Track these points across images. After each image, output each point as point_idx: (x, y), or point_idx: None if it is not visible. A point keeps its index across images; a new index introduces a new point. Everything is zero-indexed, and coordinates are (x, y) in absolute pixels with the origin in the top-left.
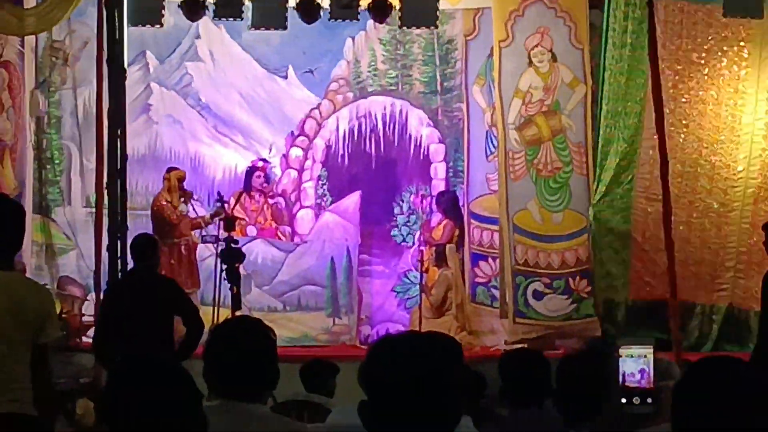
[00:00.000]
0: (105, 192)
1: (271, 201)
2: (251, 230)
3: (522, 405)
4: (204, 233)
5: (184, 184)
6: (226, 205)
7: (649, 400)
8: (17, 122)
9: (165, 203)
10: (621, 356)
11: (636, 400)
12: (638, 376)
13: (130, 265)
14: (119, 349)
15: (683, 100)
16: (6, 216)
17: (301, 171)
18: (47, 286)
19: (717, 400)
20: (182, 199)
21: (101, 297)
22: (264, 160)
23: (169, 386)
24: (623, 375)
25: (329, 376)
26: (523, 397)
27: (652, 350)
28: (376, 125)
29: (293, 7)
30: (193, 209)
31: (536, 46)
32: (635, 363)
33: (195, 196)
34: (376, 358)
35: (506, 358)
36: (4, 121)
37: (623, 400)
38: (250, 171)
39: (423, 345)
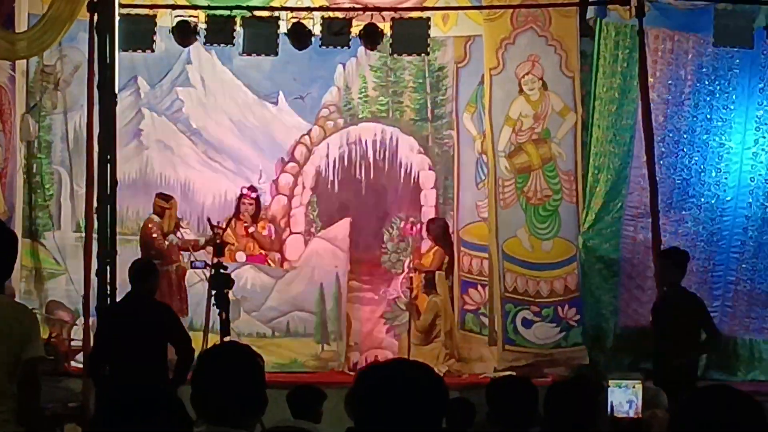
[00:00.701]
0: (95, 217)
1: (259, 227)
2: (240, 256)
3: (511, 430)
4: (193, 259)
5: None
6: (218, 231)
7: None
8: (8, 146)
9: (153, 230)
10: (610, 386)
11: None
12: (626, 407)
13: (120, 290)
14: (112, 369)
15: (673, 128)
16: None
17: (291, 197)
18: (35, 311)
19: (715, 429)
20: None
21: (98, 317)
22: (252, 187)
23: (158, 412)
24: (611, 405)
25: (316, 403)
26: (511, 424)
27: (640, 382)
28: (367, 152)
29: (284, 33)
30: (182, 236)
31: (527, 74)
32: (624, 393)
33: (184, 223)
34: (363, 385)
35: (494, 384)
36: None
37: None
38: (239, 197)
39: (409, 373)
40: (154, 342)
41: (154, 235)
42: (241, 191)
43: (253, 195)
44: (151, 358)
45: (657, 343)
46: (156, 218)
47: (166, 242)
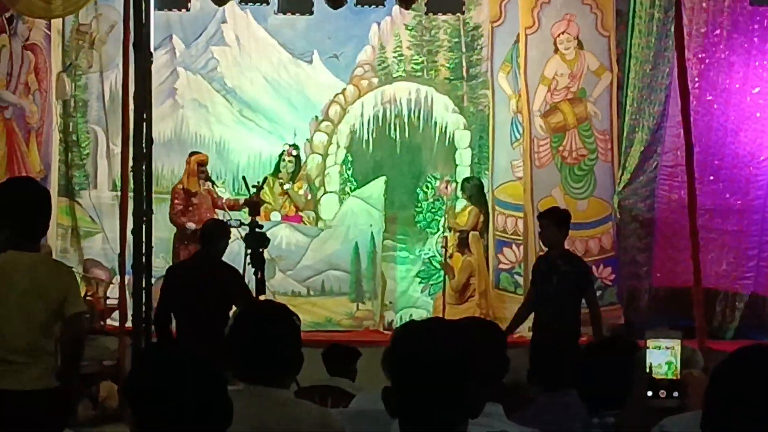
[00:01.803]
0: (130, 175)
1: (296, 186)
2: (275, 216)
3: (550, 390)
4: (228, 218)
5: (208, 168)
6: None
7: (675, 394)
8: (43, 105)
9: (180, 190)
10: (648, 347)
11: (662, 393)
12: (665, 368)
13: (155, 248)
14: (178, 328)
15: (708, 87)
16: (32, 200)
17: (325, 156)
18: (73, 269)
19: (756, 388)
20: (202, 181)
21: (165, 275)
22: (294, 145)
23: (194, 370)
24: (650, 366)
25: (351, 361)
26: (551, 383)
27: (679, 342)
28: (401, 111)
29: None
30: (211, 189)
31: (562, 33)
32: (663, 355)
33: (219, 182)
34: (400, 343)
35: (536, 344)
36: (30, 104)
37: (649, 393)
38: (280, 154)
39: (447, 331)
40: (219, 303)
41: (177, 190)
42: (283, 149)
43: (294, 153)
44: (215, 319)
45: (536, 308)
46: (184, 179)
47: (194, 200)
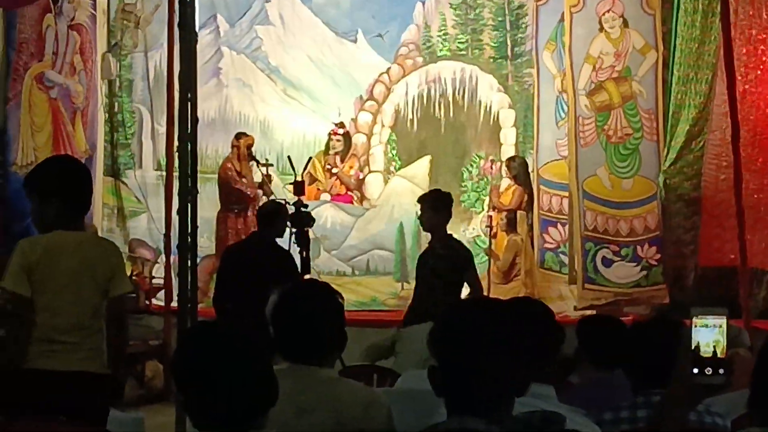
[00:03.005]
0: (176, 155)
1: (347, 167)
2: (325, 196)
3: (597, 368)
4: (273, 197)
5: (254, 149)
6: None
7: (721, 371)
8: (89, 85)
9: (231, 171)
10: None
11: (708, 370)
12: (712, 347)
13: (201, 228)
14: (235, 308)
15: (754, 65)
16: (76, 178)
17: (370, 135)
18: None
19: None
20: (252, 164)
21: (221, 256)
22: (341, 123)
23: (239, 349)
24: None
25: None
26: (599, 361)
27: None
28: (446, 90)
29: None
30: (266, 172)
31: (607, 11)
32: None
33: (263, 160)
34: (446, 323)
35: (584, 322)
36: (75, 84)
37: (695, 370)
38: (329, 134)
39: (493, 310)
40: (272, 285)
41: (231, 177)
42: (330, 128)
43: (341, 131)
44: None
45: (414, 297)
46: (234, 160)
47: (244, 180)
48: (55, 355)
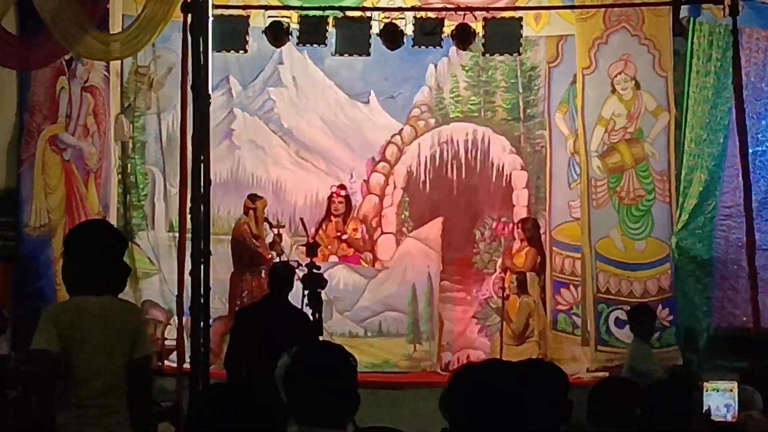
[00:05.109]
0: (188, 217)
1: (351, 229)
2: (332, 259)
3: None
4: (286, 259)
5: (266, 210)
6: (310, 231)
7: None
8: (102, 147)
9: (247, 233)
10: (707, 390)
11: None
12: (724, 411)
13: (213, 289)
14: (249, 370)
15: (767, 127)
16: (98, 242)
17: (382, 197)
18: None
19: None
20: (268, 227)
21: (235, 317)
22: (341, 185)
23: (253, 411)
24: (708, 408)
25: None
26: (612, 424)
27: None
28: (458, 151)
29: (377, 34)
30: (277, 232)
31: (619, 73)
32: (721, 397)
33: (275, 222)
34: (458, 385)
35: (599, 385)
36: (89, 145)
37: None
38: (329, 197)
39: (506, 373)
40: (289, 346)
41: (248, 238)
42: (331, 190)
43: (343, 193)
44: None
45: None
46: (247, 219)
47: (258, 242)
48: (91, 420)
